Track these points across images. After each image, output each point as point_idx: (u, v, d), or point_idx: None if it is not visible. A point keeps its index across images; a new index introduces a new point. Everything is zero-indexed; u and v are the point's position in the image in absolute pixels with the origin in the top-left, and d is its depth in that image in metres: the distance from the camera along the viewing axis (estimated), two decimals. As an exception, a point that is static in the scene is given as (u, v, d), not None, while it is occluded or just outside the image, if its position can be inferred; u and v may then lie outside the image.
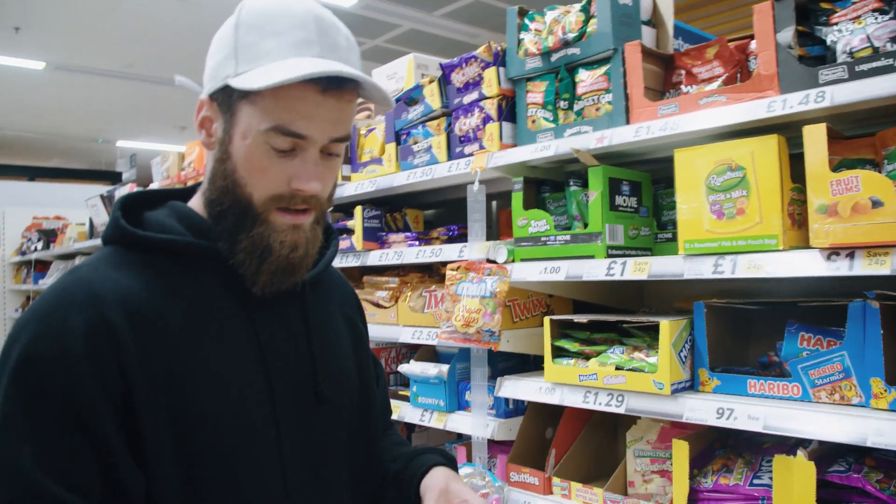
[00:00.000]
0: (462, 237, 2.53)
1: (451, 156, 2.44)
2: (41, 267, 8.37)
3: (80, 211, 7.08)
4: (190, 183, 4.26)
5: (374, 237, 2.77)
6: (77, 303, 1.00)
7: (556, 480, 2.13)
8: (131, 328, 1.01)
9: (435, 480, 1.28)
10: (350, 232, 2.82)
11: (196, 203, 1.19)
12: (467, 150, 2.35)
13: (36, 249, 8.25)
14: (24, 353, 0.97)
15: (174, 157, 4.78)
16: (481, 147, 2.30)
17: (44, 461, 0.94)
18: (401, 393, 2.63)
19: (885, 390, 1.59)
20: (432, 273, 2.82)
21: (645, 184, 2.12)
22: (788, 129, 1.71)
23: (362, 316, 1.47)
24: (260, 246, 1.09)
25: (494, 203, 3.03)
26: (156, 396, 1.01)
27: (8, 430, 0.95)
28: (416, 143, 2.59)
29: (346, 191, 2.85)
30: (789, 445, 1.73)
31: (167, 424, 1.02)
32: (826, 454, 1.77)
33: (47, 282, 7.77)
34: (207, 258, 1.12)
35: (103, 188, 6.49)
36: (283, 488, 1.12)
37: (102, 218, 5.91)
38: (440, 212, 3.33)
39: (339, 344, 1.28)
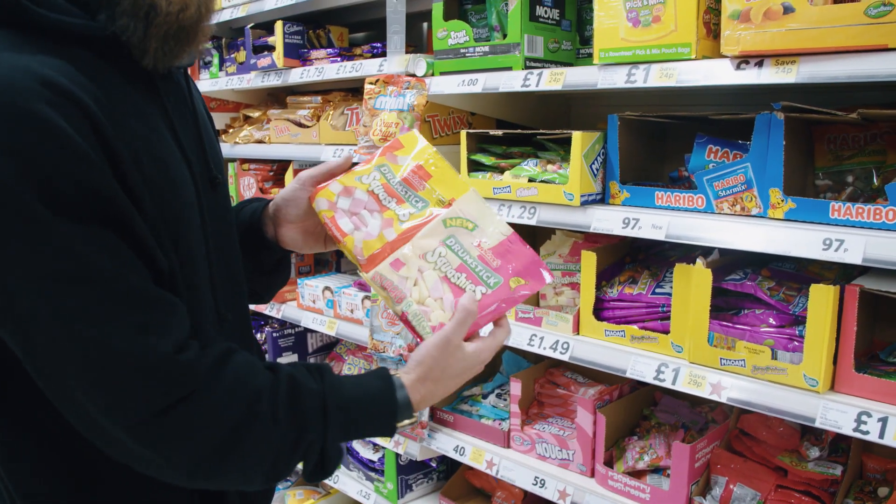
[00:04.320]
0: (386, 54, 2.45)
1: (371, -35, 2.32)
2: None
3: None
4: None
5: (296, 54, 2.67)
6: (32, 90, 0.83)
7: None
8: (93, 104, 0.88)
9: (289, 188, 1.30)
10: (271, 49, 2.71)
11: None
12: (388, -42, 2.24)
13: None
14: (15, 162, 0.82)
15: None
16: (403, -45, 2.19)
17: (107, 256, 0.87)
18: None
19: (782, 200, 1.63)
20: (357, 92, 2.75)
21: (569, -5, 2.06)
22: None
23: (210, 115, 1.36)
24: (143, 5, 0.93)
25: (425, 25, 2.94)
26: (136, 179, 0.92)
27: (46, 243, 0.84)
28: (337, -48, 2.46)
29: (267, 5, 2.71)
30: (694, 258, 1.79)
31: (153, 208, 0.95)
32: (726, 265, 1.84)
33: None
34: (95, 40, 0.95)
35: None
36: (209, 274, 1.10)
37: None
38: (369, 34, 3.21)
39: (212, 134, 1.23)
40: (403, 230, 1.21)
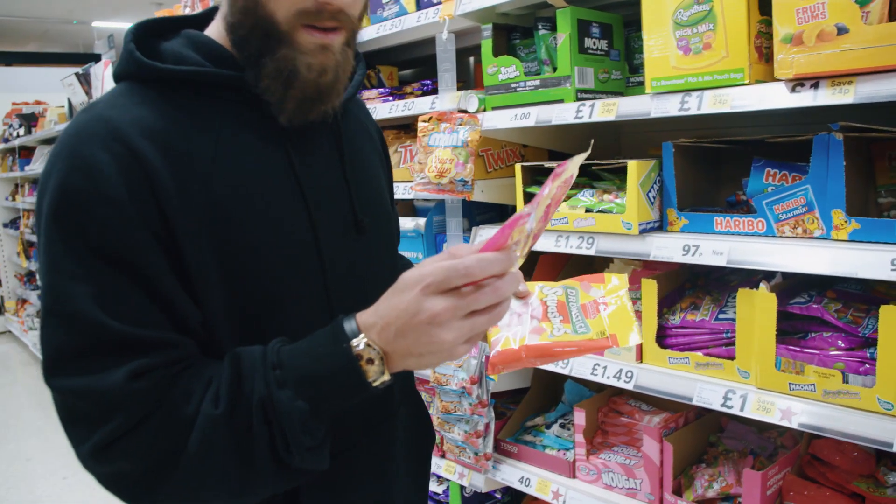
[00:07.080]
0: (437, 91, 2.50)
1: (419, 6, 2.37)
2: (26, 153, 8.26)
3: (59, 94, 6.87)
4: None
5: (349, 96, 2.73)
6: (100, 137, 0.95)
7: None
8: (162, 160, 0.96)
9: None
10: (324, 92, 2.78)
11: (214, 30, 1.10)
12: (436, -1, 2.30)
13: (18, 135, 8.13)
14: (57, 195, 0.93)
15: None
16: (451, -5, 2.25)
17: (98, 299, 0.92)
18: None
19: (846, 221, 1.62)
20: (409, 130, 2.80)
21: (616, 26, 2.08)
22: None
23: (385, 143, 1.41)
24: (285, 70, 1.00)
25: (472, 59, 2.99)
26: (197, 228, 0.98)
27: (58, 273, 0.93)
28: (386, -5, 2.52)
29: (319, 50, 2.79)
30: (755, 281, 1.78)
31: (212, 256, 0.99)
32: (790, 288, 1.82)
33: (34, 167, 7.72)
34: (232, 89, 1.05)
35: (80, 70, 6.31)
36: (330, 314, 1.08)
37: (80, 97, 5.77)
38: (417, 71, 3.27)
39: (371, 173, 1.23)
40: (550, 341, 1.10)
